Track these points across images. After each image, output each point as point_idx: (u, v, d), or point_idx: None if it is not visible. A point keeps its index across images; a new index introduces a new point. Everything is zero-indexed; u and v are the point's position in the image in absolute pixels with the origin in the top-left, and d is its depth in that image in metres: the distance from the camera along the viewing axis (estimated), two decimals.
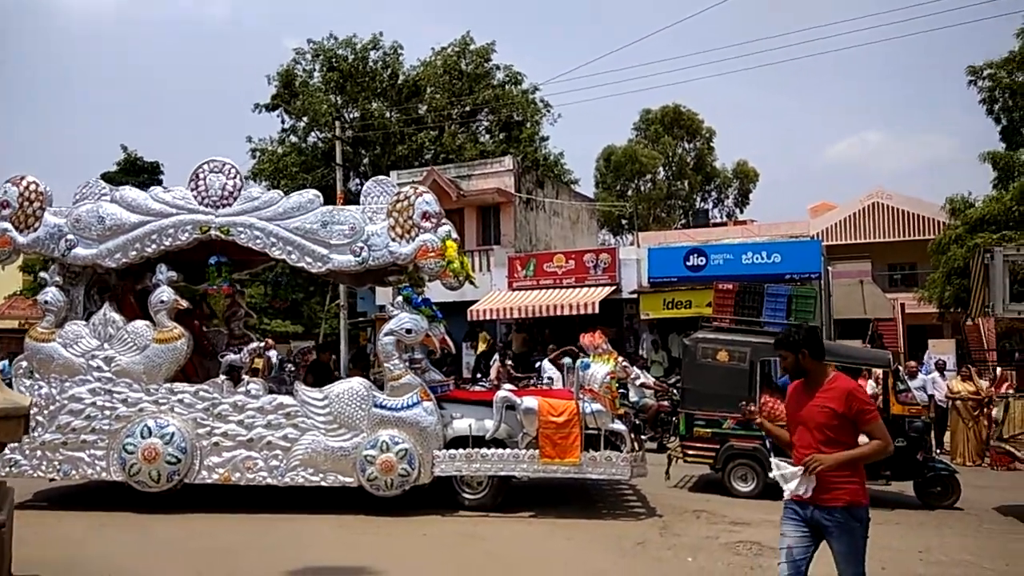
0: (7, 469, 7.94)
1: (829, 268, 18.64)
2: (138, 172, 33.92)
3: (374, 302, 21.88)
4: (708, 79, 64.70)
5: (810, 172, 71.17)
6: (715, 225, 34.77)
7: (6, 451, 7.39)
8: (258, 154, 31.26)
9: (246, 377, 8.36)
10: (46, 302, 8.47)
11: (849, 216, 29.07)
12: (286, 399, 8.08)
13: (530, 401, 7.92)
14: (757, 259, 16.89)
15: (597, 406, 7.79)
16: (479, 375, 16.23)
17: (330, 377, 9.30)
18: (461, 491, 8.03)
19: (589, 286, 18.16)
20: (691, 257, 17.47)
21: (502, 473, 7.86)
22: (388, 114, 30.74)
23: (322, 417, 7.95)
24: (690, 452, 9.22)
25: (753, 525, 7.30)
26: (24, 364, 8.40)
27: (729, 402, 8.39)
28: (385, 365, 8.11)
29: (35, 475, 8.08)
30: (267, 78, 31.05)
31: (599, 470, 7.78)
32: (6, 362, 12.73)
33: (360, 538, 7.04)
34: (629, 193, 41.62)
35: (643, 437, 10.13)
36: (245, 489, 8.00)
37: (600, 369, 8.00)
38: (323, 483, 7.87)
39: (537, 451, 7.73)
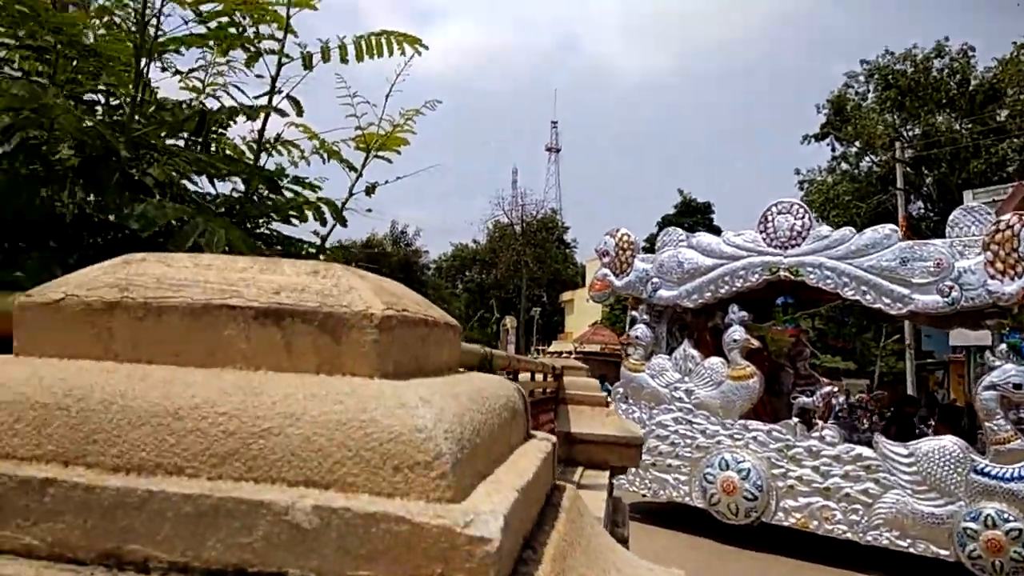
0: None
1: None
2: (692, 213, 37.10)
3: (946, 341, 19.15)
4: None
5: None
6: None
7: None
8: (806, 185, 30.84)
9: (819, 422, 8.12)
10: (636, 337, 9.73)
11: None
12: (864, 450, 7.54)
13: None
14: None
15: None
16: None
17: (912, 431, 8.38)
18: None
19: None
20: None
21: None
22: (957, 126, 26.90)
23: (908, 476, 7.16)
24: None
25: None
26: (620, 390, 9.78)
27: None
28: (986, 425, 6.88)
29: (630, 489, 9.29)
30: (816, 107, 30.55)
31: None
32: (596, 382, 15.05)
33: None
34: None
35: None
36: (824, 539, 7.71)
37: None
38: (911, 550, 7.05)
39: None
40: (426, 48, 1.86)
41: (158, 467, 0.75)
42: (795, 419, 8.23)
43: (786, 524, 7.89)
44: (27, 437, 0.78)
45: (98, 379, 0.82)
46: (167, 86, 2.74)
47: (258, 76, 1.89)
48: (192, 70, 1.90)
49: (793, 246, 8.37)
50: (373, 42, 1.83)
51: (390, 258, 42.17)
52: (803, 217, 8.47)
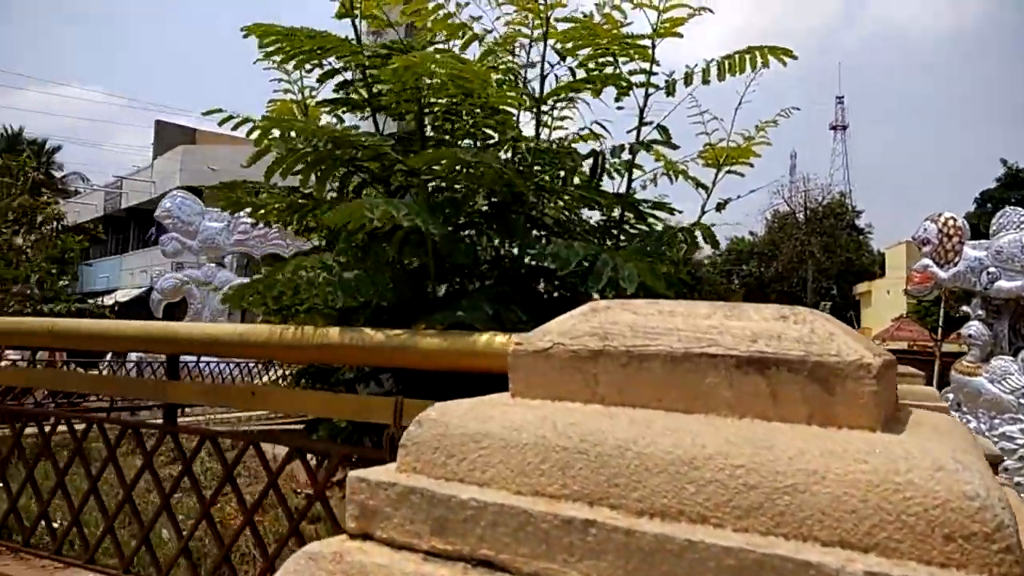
0: None
1: None
2: (1020, 185, 31.50)
3: None
4: None
5: None
6: None
7: None
8: None
9: None
10: (970, 336, 8.49)
11: None
12: None
13: None
14: None
15: None
16: None
17: None
18: None
19: None
20: None
21: None
22: None
23: None
24: None
25: None
26: (951, 396, 8.60)
27: None
28: None
29: None
30: None
31: None
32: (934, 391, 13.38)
33: None
34: None
35: None
36: None
37: None
38: None
39: None
40: (794, 58, 1.78)
41: (681, 514, 0.80)
42: None
43: None
44: (553, 477, 0.88)
45: (603, 425, 0.90)
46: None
47: (619, 108, 1.96)
48: (560, 114, 2.03)
49: None
50: (736, 60, 1.80)
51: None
52: None
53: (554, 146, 1.76)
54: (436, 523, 0.90)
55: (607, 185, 2.15)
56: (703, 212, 2.07)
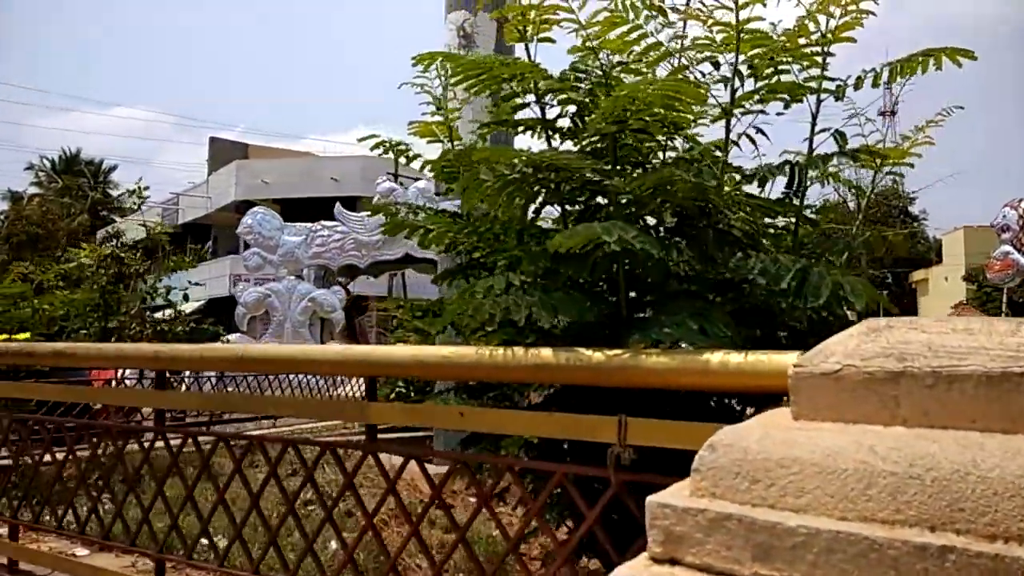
0: None
1: None
2: None
3: None
4: None
5: None
6: None
7: None
8: None
9: None
10: None
11: None
12: None
13: None
14: None
15: None
16: None
17: None
18: None
19: None
20: None
21: None
22: None
23: None
24: None
25: None
26: None
27: None
28: None
29: None
30: None
31: None
32: None
33: None
34: None
35: None
36: None
37: None
38: None
39: None
40: (973, 59, 1.75)
41: None
42: None
43: None
44: (882, 503, 0.88)
45: (930, 449, 0.89)
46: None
47: (778, 114, 1.95)
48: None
49: None
50: (910, 63, 1.77)
51: None
52: None
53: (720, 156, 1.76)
54: (758, 549, 0.91)
55: (754, 189, 2.14)
56: (863, 214, 2.04)
